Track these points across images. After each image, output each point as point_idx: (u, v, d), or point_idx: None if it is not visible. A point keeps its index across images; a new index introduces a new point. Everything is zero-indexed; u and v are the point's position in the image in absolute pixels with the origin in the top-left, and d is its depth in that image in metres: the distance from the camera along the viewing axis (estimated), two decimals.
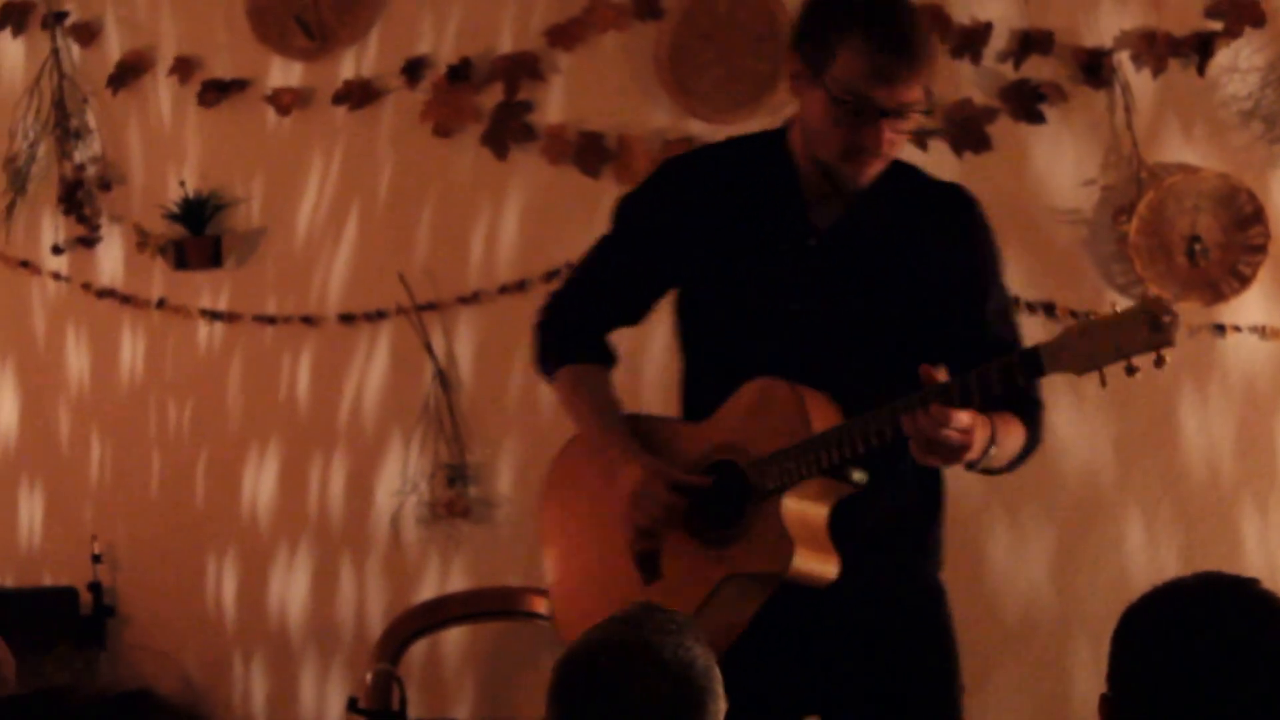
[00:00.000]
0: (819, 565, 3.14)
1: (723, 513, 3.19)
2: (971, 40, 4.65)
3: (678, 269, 3.32)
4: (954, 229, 3.26)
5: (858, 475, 3.12)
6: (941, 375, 3.06)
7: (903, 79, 3.07)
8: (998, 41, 4.64)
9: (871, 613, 3.23)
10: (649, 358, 4.57)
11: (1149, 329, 2.87)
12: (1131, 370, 2.91)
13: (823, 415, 3.13)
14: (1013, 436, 3.16)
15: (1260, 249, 4.49)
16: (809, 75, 3.13)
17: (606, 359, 3.42)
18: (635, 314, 3.42)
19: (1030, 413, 3.22)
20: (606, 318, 3.41)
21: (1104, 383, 2.93)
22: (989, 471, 3.19)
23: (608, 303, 3.39)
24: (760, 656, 3.17)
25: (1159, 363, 2.88)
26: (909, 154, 4.66)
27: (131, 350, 5.51)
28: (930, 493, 3.31)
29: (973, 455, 3.04)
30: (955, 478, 4.62)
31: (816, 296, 3.21)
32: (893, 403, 3.03)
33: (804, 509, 3.15)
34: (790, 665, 3.24)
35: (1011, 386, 2.99)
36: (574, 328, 3.40)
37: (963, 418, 2.98)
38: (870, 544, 3.19)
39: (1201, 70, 4.51)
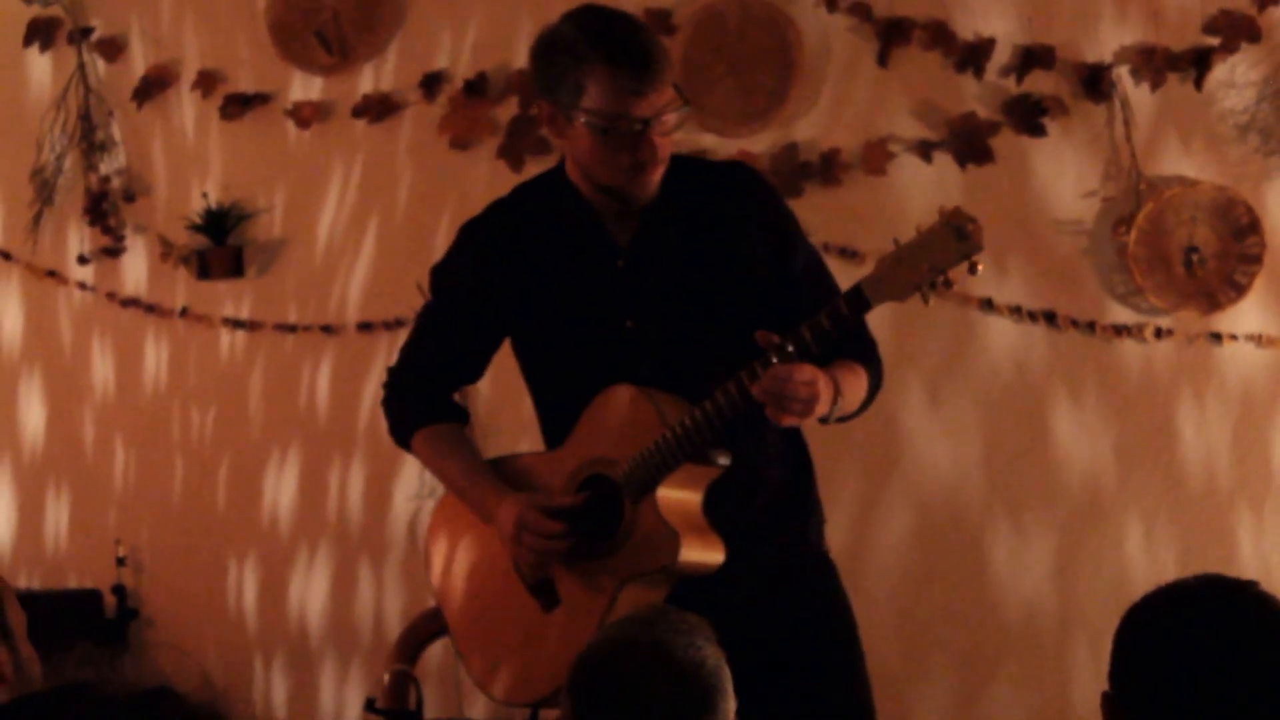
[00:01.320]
0: (705, 553, 3.19)
1: (604, 525, 3.23)
2: (975, 55, 4.70)
3: (505, 320, 3.40)
4: (745, 204, 3.31)
5: (722, 459, 3.18)
6: (776, 338, 3.09)
7: (652, 87, 3.14)
8: (1000, 56, 4.69)
9: (768, 592, 3.28)
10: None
11: (956, 239, 2.91)
12: (949, 283, 2.94)
13: (674, 410, 3.17)
14: (857, 380, 3.22)
15: (1256, 259, 4.53)
16: (563, 116, 3.20)
17: (458, 417, 3.49)
18: (473, 371, 3.50)
19: (867, 353, 3.28)
20: (447, 379, 3.49)
21: (926, 300, 2.97)
22: (843, 419, 3.22)
23: (444, 365, 3.46)
24: None
25: (972, 270, 2.93)
26: (911, 162, 4.78)
27: (155, 358, 5.55)
28: (800, 475, 3.38)
29: (823, 408, 3.08)
30: (956, 476, 4.74)
31: (643, 311, 3.28)
32: (737, 374, 3.09)
33: (678, 498, 3.19)
34: None
35: (844, 328, 3.03)
36: (418, 395, 3.46)
37: (806, 370, 3.03)
38: (755, 533, 3.25)
39: (1199, 85, 4.55)
